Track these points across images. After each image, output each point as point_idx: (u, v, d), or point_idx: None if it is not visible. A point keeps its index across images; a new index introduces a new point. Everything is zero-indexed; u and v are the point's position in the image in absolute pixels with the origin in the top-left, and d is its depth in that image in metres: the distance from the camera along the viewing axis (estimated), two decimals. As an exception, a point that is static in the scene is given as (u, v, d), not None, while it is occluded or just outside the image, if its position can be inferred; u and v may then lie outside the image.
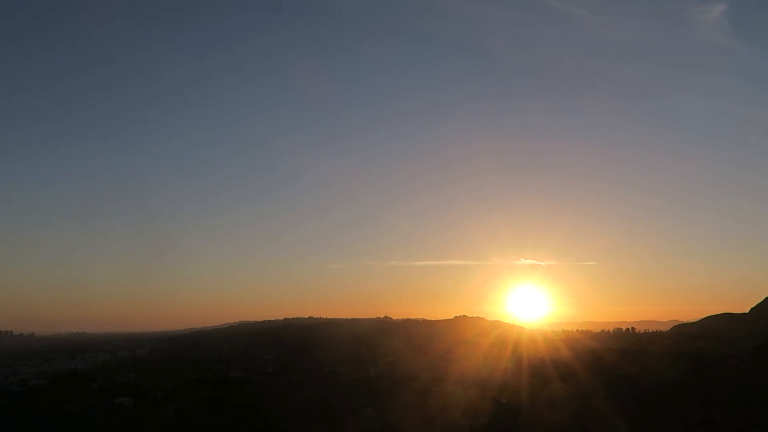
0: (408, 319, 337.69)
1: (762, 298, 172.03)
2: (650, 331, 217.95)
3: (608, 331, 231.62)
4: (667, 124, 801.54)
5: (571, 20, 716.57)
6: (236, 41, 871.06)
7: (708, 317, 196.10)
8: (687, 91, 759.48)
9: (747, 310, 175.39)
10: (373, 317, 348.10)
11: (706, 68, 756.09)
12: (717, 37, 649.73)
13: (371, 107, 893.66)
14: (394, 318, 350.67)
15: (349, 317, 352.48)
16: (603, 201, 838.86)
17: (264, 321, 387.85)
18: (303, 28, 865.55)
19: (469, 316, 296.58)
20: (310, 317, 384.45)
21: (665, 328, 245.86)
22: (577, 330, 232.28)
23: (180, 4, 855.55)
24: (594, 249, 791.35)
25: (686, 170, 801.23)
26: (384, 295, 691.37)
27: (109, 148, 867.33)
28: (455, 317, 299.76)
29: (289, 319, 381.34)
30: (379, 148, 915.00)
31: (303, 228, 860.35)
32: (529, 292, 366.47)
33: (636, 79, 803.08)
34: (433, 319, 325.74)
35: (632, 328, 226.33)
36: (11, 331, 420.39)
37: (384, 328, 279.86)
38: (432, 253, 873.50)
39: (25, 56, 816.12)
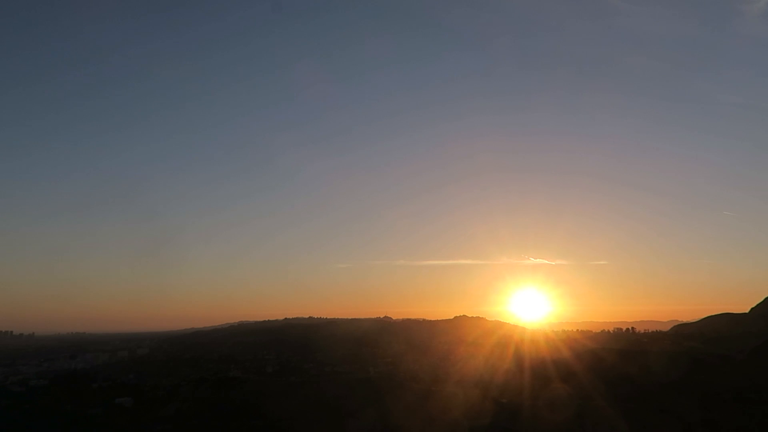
0: (408, 319, 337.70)
1: (762, 298, 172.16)
2: (650, 331, 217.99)
3: (608, 331, 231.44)
4: (695, 120, 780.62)
5: (602, 9, 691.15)
6: (236, 39, 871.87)
7: (708, 317, 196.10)
8: (723, 86, 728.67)
9: (747, 310, 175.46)
10: (373, 317, 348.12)
11: (747, 62, 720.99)
12: (762, 30, 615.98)
13: (378, 105, 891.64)
14: (393, 318, 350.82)
15: (350, 317, 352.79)
16: (616, 199, 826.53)
17: (264, 321, 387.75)
18: (302, 26, 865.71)
19: (469, 316, 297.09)
20: (310, 317, 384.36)
21: (665, 328, 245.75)
22: (577, 330, 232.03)
23: (179, 1, 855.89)
24: (605, 248, 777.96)
25: (698, 169, 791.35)
26: (392, 295, 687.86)
27: (108, 147, 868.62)
28: (455, 317, 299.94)
29: (289, 319, 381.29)
30: (388, 147, 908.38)
31: (309, 228, 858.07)
32: (534, 292, 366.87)
33: (668, 73, 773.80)
34: (432, 319, 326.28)
35: (632, 328, 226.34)
36: (11, 331, 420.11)
37: (384, 328, 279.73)
38: (441, 252, 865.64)
39: (22, 53, 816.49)
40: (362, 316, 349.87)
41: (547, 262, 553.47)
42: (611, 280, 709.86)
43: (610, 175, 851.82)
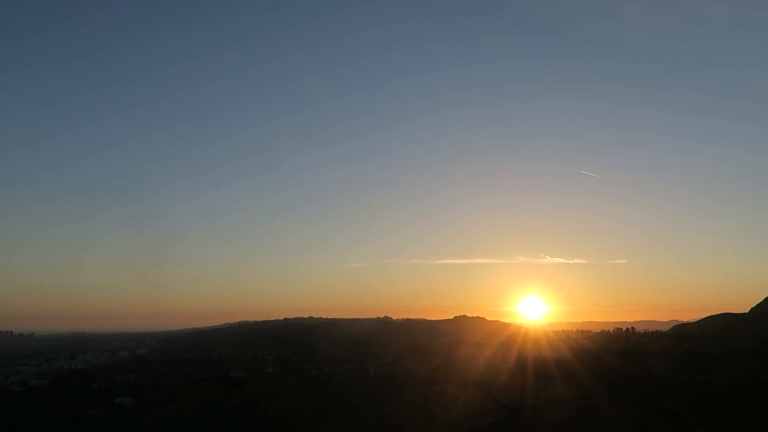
0: (408, 319, 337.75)
1: (762, 298, 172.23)
2: (650, 331, 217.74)
3: (608, 331, 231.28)
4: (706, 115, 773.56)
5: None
6: (238, 39, 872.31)
7: (708, 317, 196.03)
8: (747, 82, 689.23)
9: (747, 310, 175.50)
10: (373, 317, 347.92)
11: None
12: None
13: (386, 102, 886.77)
14: (393, 318, 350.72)
15: (350, 317, 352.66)
16: (634, 198, 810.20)
17: (264, 321, 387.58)
18: (302, 26, 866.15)
19: (469, 316, 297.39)
20: (310, 317, 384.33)
21: (665, 328, 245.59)
22: (577, 330, 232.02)
23: (180, 3, 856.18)
24: (625, 247, 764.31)
25: (704, 168, 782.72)
26: (401, 295, 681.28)
27: (108, 147, 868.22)
28: (455, 317, 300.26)
29: (289, 319, 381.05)
30: (398, 146, 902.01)
31: (319, 228, 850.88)
32: (540, 292, 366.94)
33: (692, 61, 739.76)
34: (432, 319, 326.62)
35: (632, 328, 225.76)
36: (11, 331, 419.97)
37: (384, 328, 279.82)
38: (456, 251, 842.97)
39: (26, 55, 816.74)
40: (363, 316, 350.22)
41: (564, 260, 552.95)
42: (629, 279, 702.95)
43: (624, 173, 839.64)
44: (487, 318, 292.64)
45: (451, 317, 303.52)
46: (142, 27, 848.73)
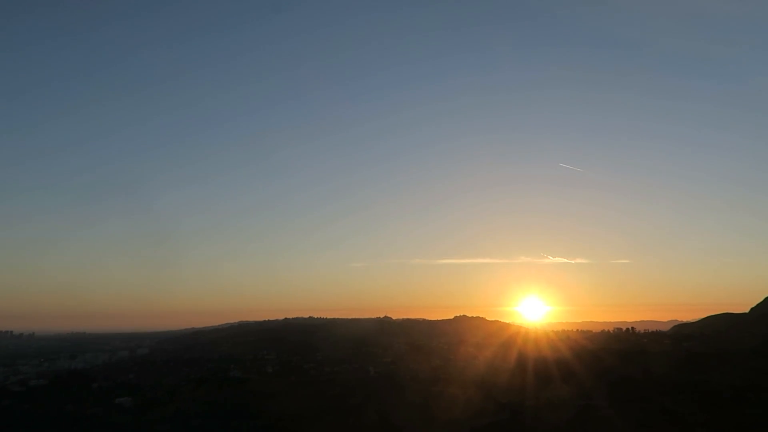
0: (408, 319, 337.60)
1: (762, 298, 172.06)
2: (650, 331, 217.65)
3: (608, 331, 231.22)
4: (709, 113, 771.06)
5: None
6: (239, 39, 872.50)
7: (708, 317, 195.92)
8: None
9: (747, 310, 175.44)
10: (373, 317, 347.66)
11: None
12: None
13: (388, 102, 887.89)
14: (393, 318, 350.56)
15: (350, 317, 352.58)
16: (638, 198, 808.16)
17: (264, 321, 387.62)
18: (303, 28, 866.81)
19: (469, 316, 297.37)
20: (310, 317, 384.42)
21: (665, 328, 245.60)
22: (577, 330, 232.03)
23: (179, 3, 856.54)
24: (628, 247, 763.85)
25: (704, 168, 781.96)
26: (401, 295, 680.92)
27: (109, 147, 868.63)
28: (455, 317, 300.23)
29: (289, 319, 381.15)
30: (399, 147, 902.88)
31: (320, 228, 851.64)
32: (541, 292, 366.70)
33: (696, 57, 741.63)
34: (432, 318, 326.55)
35: (632, 328, 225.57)
36: (11, 331, 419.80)
37: (384, 328, 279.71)
38: (456, 251, 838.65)
39: (26, 57, 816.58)
40: (363, 316, 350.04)
41: (566, 260, 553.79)
42: (630, 279, 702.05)
43: (626, 173, 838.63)
44: (488, 318, 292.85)
45: (451, 317, 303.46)
46: (152, 37, 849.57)
